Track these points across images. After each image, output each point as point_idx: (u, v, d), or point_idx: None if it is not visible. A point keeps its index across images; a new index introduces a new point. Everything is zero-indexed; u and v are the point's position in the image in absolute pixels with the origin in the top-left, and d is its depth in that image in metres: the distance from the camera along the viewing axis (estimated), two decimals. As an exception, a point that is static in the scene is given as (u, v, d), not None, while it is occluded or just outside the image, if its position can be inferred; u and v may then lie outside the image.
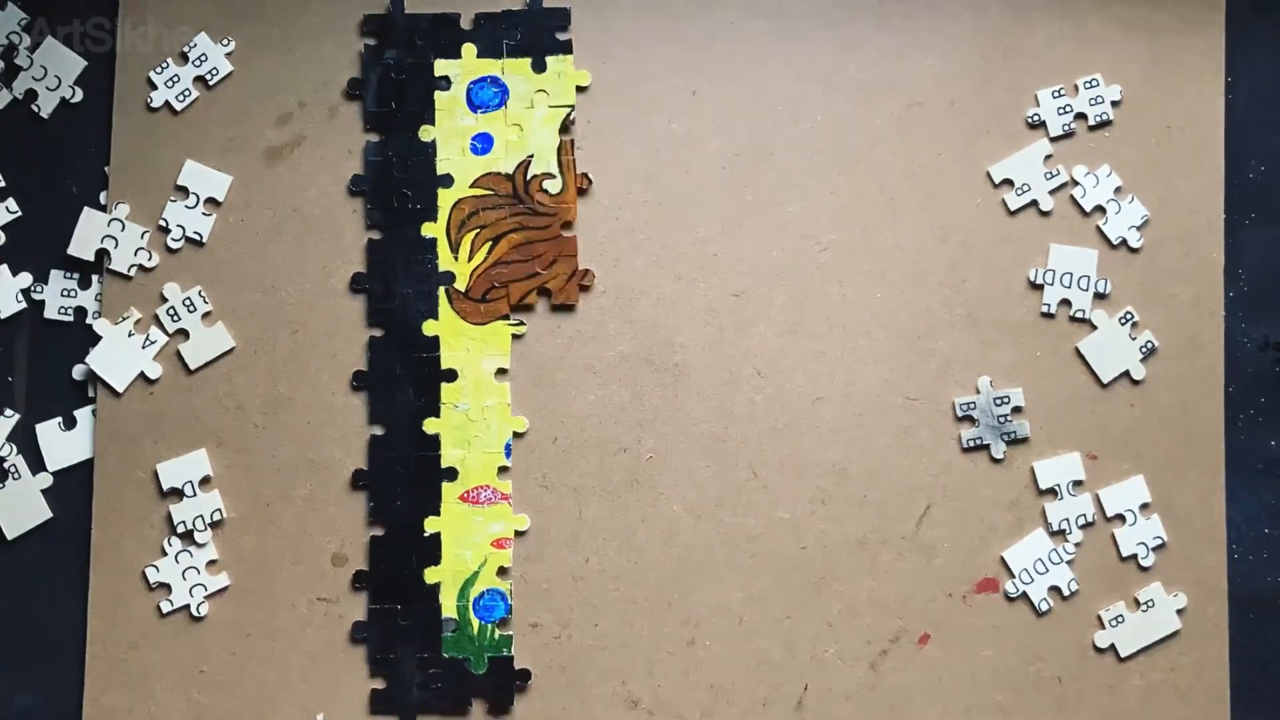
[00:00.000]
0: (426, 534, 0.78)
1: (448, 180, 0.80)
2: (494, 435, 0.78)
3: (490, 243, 0.79)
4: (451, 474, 0.78)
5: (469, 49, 0.80)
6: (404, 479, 0.78)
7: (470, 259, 0.79)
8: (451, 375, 0.79)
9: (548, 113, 0.80)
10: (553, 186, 0.80)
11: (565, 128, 0.80)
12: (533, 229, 0.79)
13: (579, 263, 0.79)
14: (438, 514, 0.78)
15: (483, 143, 0.80)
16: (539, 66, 0.80)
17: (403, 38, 0.80)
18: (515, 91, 0.80)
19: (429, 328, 0.79)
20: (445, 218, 0.80)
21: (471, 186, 0.80)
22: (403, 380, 0.79)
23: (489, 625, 0.78)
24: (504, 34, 0.80)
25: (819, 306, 0.79)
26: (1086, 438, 0.79)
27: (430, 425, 0.79)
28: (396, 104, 0.80)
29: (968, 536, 0.78)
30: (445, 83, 0.80)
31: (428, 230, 0.80)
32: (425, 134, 0.80)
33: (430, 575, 0.78)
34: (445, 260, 0.79)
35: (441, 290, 0.79)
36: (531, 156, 0.80)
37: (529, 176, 0.80)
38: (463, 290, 0.79)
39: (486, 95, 0.80)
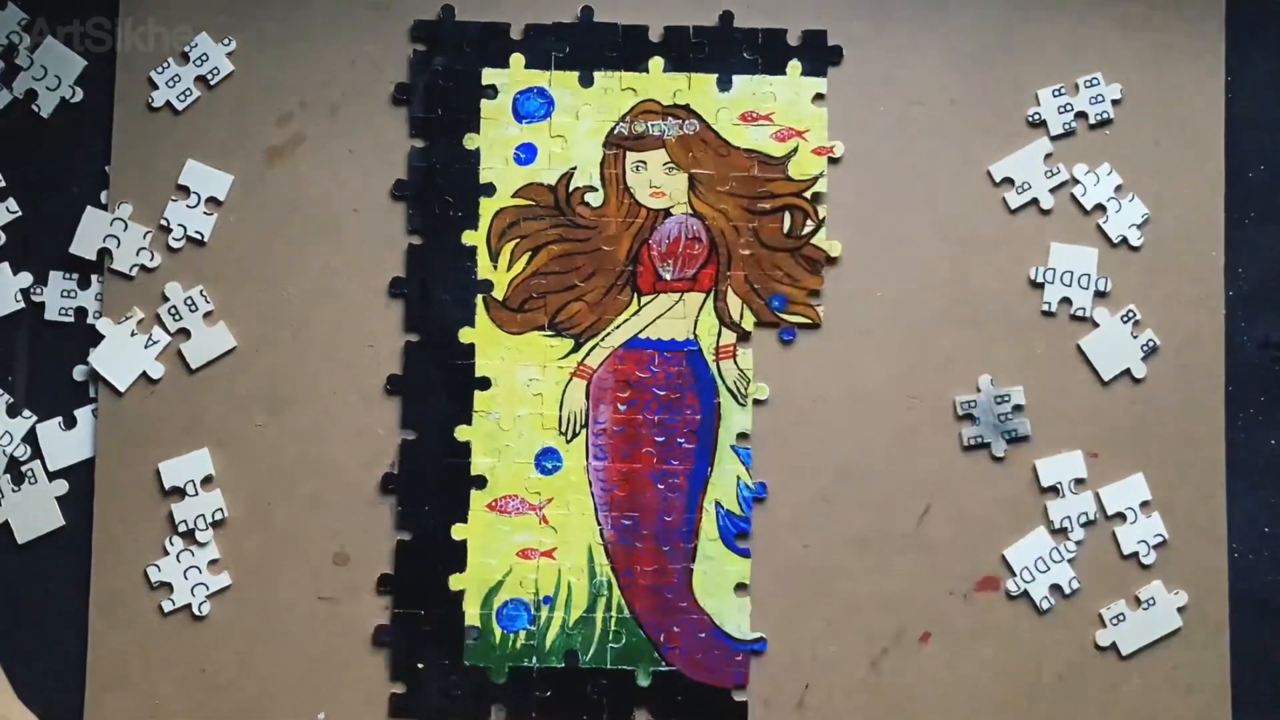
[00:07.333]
0: (453, 540, 0.78)
1: (490, 189, 0.80)
2: (525, 445, 0.79)
3: (530, 253, 0.79)
4: (480, 482, 0.78)
5: (517, 59, 0.80)
6: (433, 485, 0.78)
7: (509, 268, 0.79)
8: (485, 383, 0.79)
9: (592, 126, 0.80)
10: (594, 199, 0.80)
11: (609, 141, 0.80)
12: (573, 241, 0.79)
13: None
14: (465, 521, 0.78)
15: (526, 153, 0.80)
16: (586, 80, 0.80)
17: (451, 45, 0.80)
18: (561, 104, 0.80)
19: (465, 335, 0.79)
20: (486, 226, 0.80)
21: (513, 196, 0.80)
22: (436, 386, 0.79)
23: (511, 635, 0.78)
24: (553, 46, 0.80)
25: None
26: (1087, 436, 0.79)
27: (461, 432, 0.79)
28: (443, 110, 0.80)
29: (969, 535, 0.78)
30: (492, 91, 0.80)
31: (468, 238, 0.80)
32: (470, 142, 0.80)
33: (455, 582, 0.78)
34: (484, 269, 0.79)
35: (479, 298, 0.79)
36: (574, 169, 0.80)
37: (571, 189, 0.80)
38: (500, 299, 0.79)
39: (532, 106, 0.80)
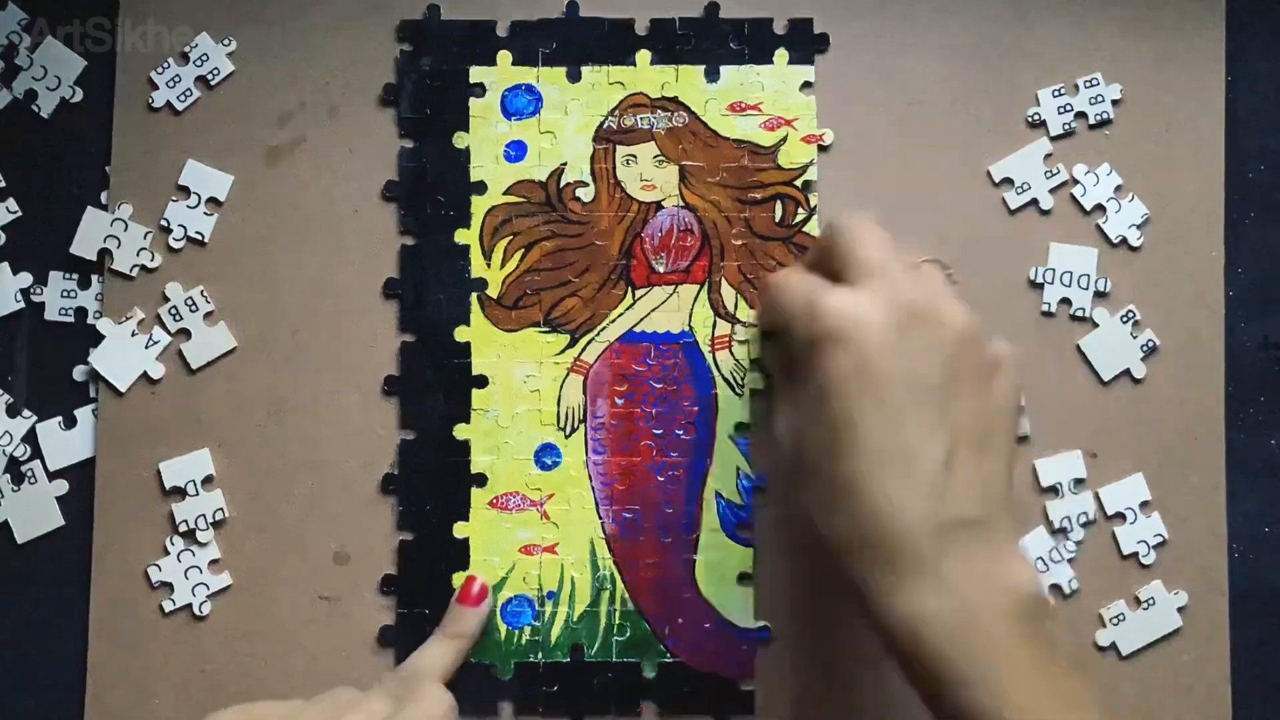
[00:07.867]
0: (456, 538, 0.78)
1: (481, 187, 0.80)
2: (524, 442, 0.79)
3: (523, 250, 0.79)
4: (481, 480, 0.78)
5: (504, 56, 0.80)
6: (433, 484, 0.78)
7: (502, 266, 0.79)
8: (482, 381, 0.79)
9: (581, 121, 0.80)
10: (586, 194, 0.80)
11: (598, 136, 0.80)
12: (565, 237, 0.79)
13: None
14: (466, 519, 0.78)
15: (516, 150, 0.80)
16: (574, 76, 0.80)
17: (438, 44, 0.80)
18: (549, 100, 0.80)
19: (460, 333, 0.79)
20: (478, 224, 0.80)
21: (505, 194, 0.80)
22: (433, 386, 0.79)
23: (516, 631, 0.78)
24: (540, 42, 0.80)
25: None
26: (1087, 436, 0.79)
27: (460, 431, 0.79)
28: (431, 110, 0.80)
29: (969, 535, 0.78)
30: (480, 89, 0.80)
31: (461, 237, 0.80)
32: (459, 141, 0.80)
33: (458, 580, 0.78)
34: (478, 267, 0.79)
35: (474, 297, 0.79)
36: (565, 164, 0.80)
37: (562, 184, 0.80)
38: (494, 297, 0.79)
39: (521, 103, 0.80)
